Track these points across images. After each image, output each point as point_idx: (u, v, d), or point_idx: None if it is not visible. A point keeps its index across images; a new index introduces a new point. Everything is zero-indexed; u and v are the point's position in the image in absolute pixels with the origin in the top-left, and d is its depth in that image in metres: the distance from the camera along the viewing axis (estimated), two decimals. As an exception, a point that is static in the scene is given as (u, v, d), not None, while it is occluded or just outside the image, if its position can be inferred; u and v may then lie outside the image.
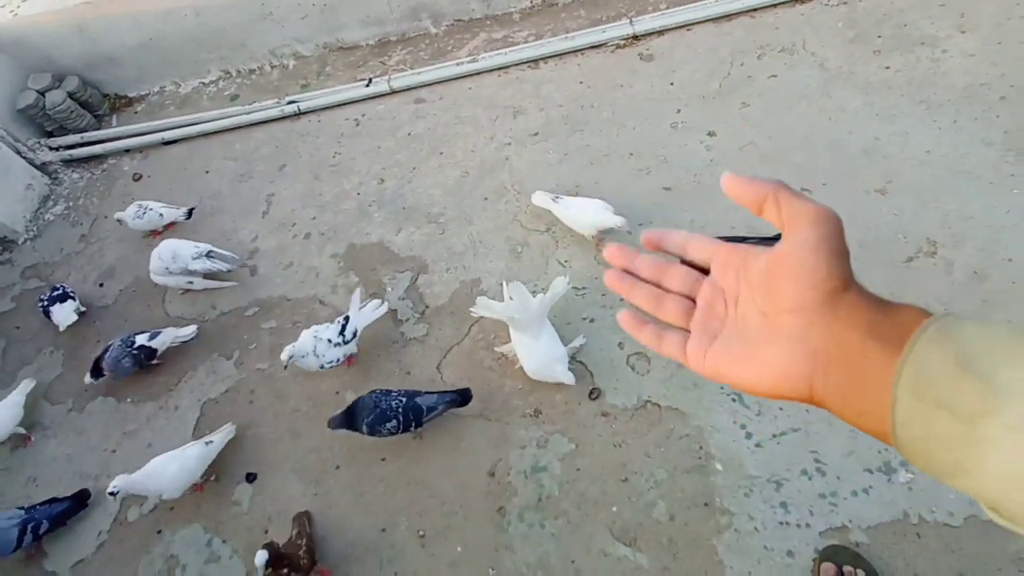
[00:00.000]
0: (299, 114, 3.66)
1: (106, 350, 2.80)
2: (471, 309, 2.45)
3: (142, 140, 3.75)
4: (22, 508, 2.46)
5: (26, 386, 2.88)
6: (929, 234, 2.56)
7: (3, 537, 2.34)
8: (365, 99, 3.66)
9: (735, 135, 3.04)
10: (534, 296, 2.41)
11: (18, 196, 3.66)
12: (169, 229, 3.37)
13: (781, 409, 2.32)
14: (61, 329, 3.06)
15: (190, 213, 3.33)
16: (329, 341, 2.54)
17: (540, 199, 2.83)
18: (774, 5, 3.46)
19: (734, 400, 2.36)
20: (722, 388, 2.39)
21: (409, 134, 3.48)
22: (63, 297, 3.08)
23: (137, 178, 3.67)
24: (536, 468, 2.35)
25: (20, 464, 2.82)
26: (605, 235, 2.75)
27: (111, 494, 2.24)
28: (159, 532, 2.48)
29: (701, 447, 2.27)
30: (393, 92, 3.64)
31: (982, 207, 2.59)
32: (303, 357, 2.49)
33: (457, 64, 3.63)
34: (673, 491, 2.21)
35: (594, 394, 2.46)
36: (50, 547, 2.53)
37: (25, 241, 3.63)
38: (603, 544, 2.16)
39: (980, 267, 2.45)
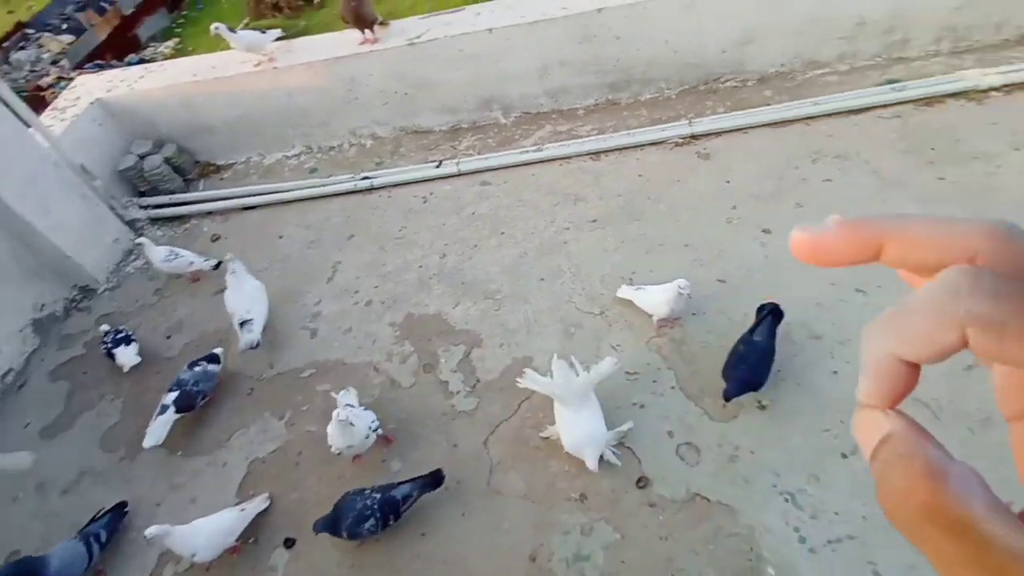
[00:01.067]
0: (371, 189, 3.92)
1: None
2: (517, 380, 2.49)
3: (224, 204, 4.05)
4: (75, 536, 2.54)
5: None
6: (995, 345, 2.51)
7: (77, 554, 2.46)
8: (434, 179, 3.90)
9: (790, 234, 3.09)
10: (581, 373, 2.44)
11: (105, 248, 3.95)
12: (196, 279, 3.69)
13: (836, 514, 2.23)
14: (125, 370, 3.22)
15: (217, 265, 3.58)
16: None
17: (624, 292, 2.93)
18: (828, 115, 3.61)
19: (787, 500, 2.28)
20: (774, 485, 2.32)
21: (473, 214, 3.66)
22: (127, 340, 3.28)
23: (215, 239, 3.94)
24: (579, 556, 2.28)
25: (68, 510, 2.87)
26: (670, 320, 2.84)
27: (146, 536, 2.30)
28: (193, 591, 2.47)
29: (752, 548, 2.18)
30: (461, 174, 3.88)
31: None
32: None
33: (522, 152, 3.86)
34: (723, 595, 2.11)
35: (641, 483, 2.41)
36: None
37: (104, 291, 3.88)
38: (647, 646, 2.05)
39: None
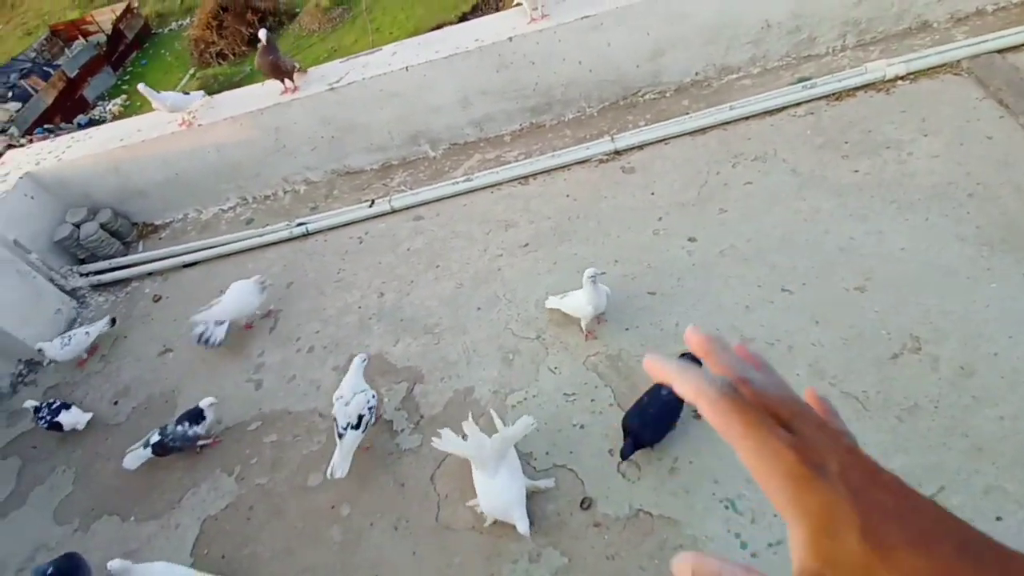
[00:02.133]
0: (307, 235, 3.93)
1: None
2: (433, 439, 2.40)
3: (164, 264, 4.03)
4: None
5: None
6: (912, 330, 2.60)
7: None
8: (368, 218, 3.92)
9: (715, 239, 3.18)
10: (500, 430, 2.38)
11: (48, 320, 3.91)
12: (94, 352, 3.73)
13: (775, 516, 2.26)
14: (80, 428, 3.25)
15: (113, 322, 3.72)
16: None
17: (551, 302, 2.98)
18: (745, 118, 3.72)
19: (727, 507, 2.32)
20: (714, 494, 2.35)
21: (408, 249, 3.69)
22: (64, 406, 3.27)
23: (157, 299, 3.91)
24: (529, 585, 2.29)
25: (21, 589, 2.83)
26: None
27: (109, 569, 2.32)
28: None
29: (695, 559, 2.21)
30: (394, 211, 3.91)
31: (962, 301, 2.63)
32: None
33: (453, 183, 3.91)
34: (668, 608, 2.13)
35: (585, 504, 2.44)
36: None
37: (49, 363, 3.82)
38: (597, 669, 2.06)
39: (966, 362, 2.46)
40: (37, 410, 3.26)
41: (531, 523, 2.42)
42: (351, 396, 2.66)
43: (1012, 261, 2.68)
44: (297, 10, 22.09)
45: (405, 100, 3.95)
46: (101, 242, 4.17)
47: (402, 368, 3.09)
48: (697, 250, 3.17)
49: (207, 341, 3.32)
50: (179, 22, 24.58)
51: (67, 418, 3.23)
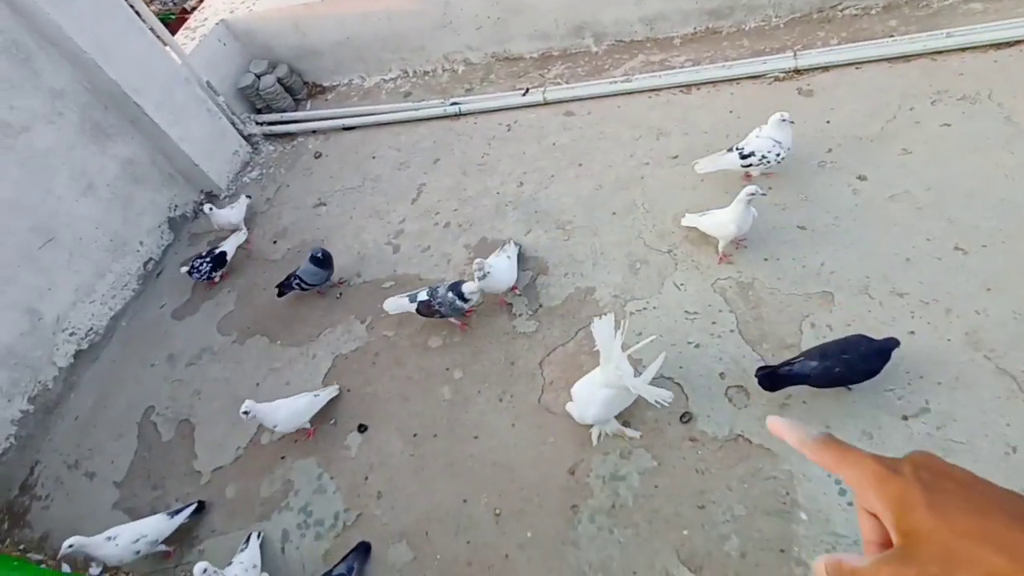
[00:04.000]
0: (459, 115, 4.02)
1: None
2: (592, 323, 2.33)
3: (327, 124, 4.34)
4: None
5: None
6: (1105, 316, 2.26)
7: None
8: (520, 107, 3.93)
9: (889, 181, 2.87)
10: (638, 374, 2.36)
11: (227, 159, 4.40)
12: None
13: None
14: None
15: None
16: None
17: (688, 220, 2.91)
18: (962, 49, 3.20)
19: (834, 454, 2.26)
20: (823, 439, 2.29)
21: (553, 144, 3.68)
22: (220, 256, 3.67)
23: (318, 156, 4.26)
24: (615, 476, 2.42)
25: (191, 379, 3.40)
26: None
27: (244, 413, 2.65)
28: (283, 458, 2.89)
29: (788, 492, 2.21)
30: (546, 103, 3.87)
31: None
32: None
33: (611, 82, 3.77)
34: (750, 529, 2.18)
35: (685, 418, 2.48)
36: (199, 449, 3.05)
37: (225, 197, 4.35)
38: (667, 563, 2.19)
39: None
40: (195, 262, 3.63)
41: (628, 424, 2.52)
42: (482, 276, 2.75)
43: None
44: None
45: (579, -15, 3.78)
46: (277, 95, 4.54)
47: (529, 257, 3.19)
48: (865, 189, 2.89)
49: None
50: None
51: (227, 245, 3.68)
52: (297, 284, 3.30)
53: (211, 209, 3.82)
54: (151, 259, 4.06)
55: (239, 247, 3.80)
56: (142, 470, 3.07)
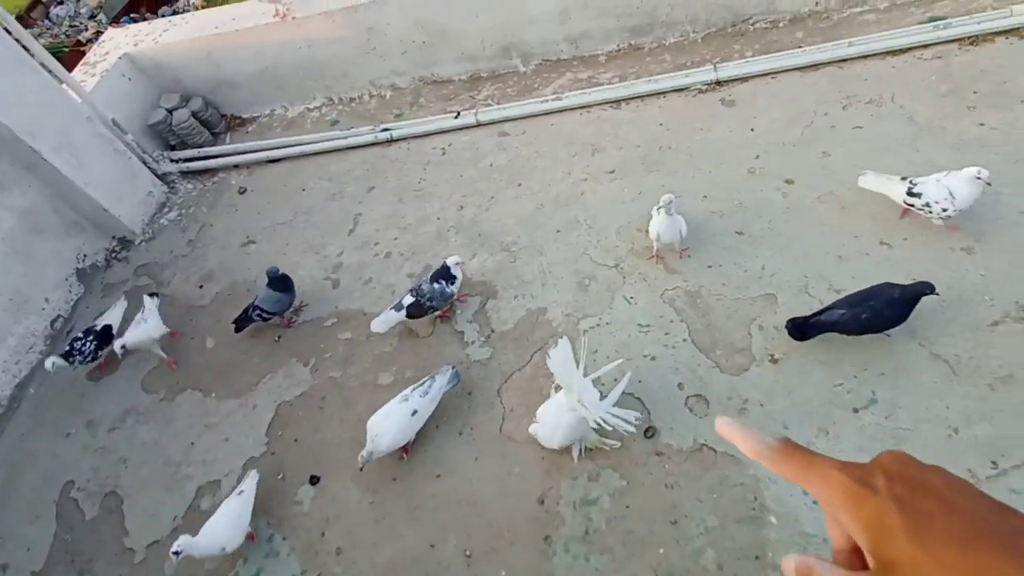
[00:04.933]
0: (391, 141, 3.93)
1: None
2: (548, 353, 2.26)
3: (250, 157, 4.13)
4: None
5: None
6: (1019, 298, 2.43)
7: None
8: (453, 130, 3.88)
9: (814, 183, 3.00)
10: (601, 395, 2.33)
11: (140, 201, 4.10)
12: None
13: (845, 468, 2.24)
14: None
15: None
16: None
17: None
18: (864, 57, 3.42)
19: (795, 454, 2.30)
20: (783, 440, 2.34)
21: (491, 165, 3.65)
22: (105, 331, 3.23)
23: (242, 191, 4.04)
24: (585, 501, 2.37)
25: (114, 445, 3.09)
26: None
27: (174, 554, 2.28)
28: (229, 519, 2.65)
29: (756, 498, 2.23)
30: (479, 125, 3.84)
31: (1085, 275, 2.44)
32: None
33: (542, 101, 3.79)
34: (723, 540, 2.17)
35: (649, 432, 2.47)
36: (130, 524, 2.75)
37: (141, 242, 4.04)
38: (647, 585, 2.15)
39: (1079, 337, 2.31)
40: (72, 353, 3.11)
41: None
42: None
43: None
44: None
45: (503, 6, 3.79)
46: (192, 130, 4.29)
47: (476, 282, 3.12)
48: (793, 193, 3.01)
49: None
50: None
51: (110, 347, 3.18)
52: (257, 315, 3.09)
53: (123, 348, 3.09)
54: (59, 316, 3.70)
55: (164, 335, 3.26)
56: (64, 555, 2.74)
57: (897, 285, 2.37)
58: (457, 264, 2.89)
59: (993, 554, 0.33)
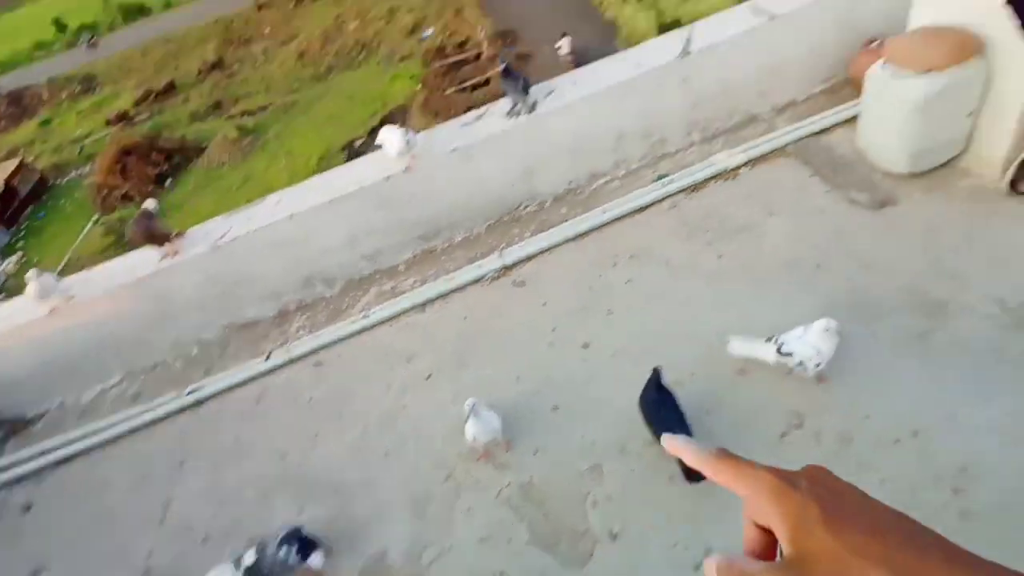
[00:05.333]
0: (200, 402, 3.72)
1: None
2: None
3: (35, 464, 3.65)
4: None
5: None
6: (793, 407, 2.70)
7: None
8: (266, 372, 3.77)
9: (606, 342, 3.25)
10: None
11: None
12: None
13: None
14: None
15: None
16: None
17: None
18: (618, 218, 3.94)
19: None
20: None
21: (310, 400, 3.56)
22: None
23: (27, 509, 3.51)
24: None
25: None
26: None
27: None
28: None
29: None
30: (292, 360, 3.79)
31: (829, 372, 2.77)
32: None
33: (351, 322, 3.86)
34: None
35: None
36: None
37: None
38: None
39: (844, 430, 2.57)
40: None
41: None
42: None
43: (861, 328, 2.87)
44: (204, 144, 22.13)
45: (294, 247, 3.94)
46: (-40, 457, 3.76)
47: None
48: (591, 356, 3.22)
49: None
50: (79, 170, 24.06)
51: None
52: None
53: None
54: None
55: None
56: None
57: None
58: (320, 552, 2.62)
59: (900, 545, 0.38)
